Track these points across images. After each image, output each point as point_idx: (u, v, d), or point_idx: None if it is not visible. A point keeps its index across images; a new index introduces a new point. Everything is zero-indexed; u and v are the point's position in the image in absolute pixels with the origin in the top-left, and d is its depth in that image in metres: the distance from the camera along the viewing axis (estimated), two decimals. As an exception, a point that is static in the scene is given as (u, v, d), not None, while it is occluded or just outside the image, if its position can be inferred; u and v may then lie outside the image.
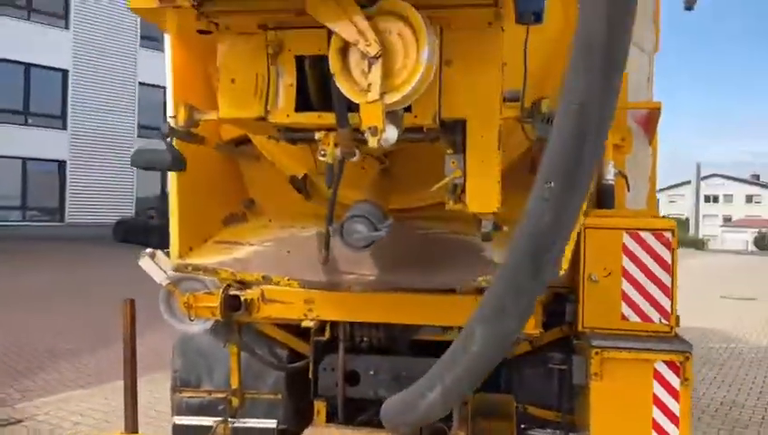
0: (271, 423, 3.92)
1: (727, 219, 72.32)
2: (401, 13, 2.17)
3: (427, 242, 3.08)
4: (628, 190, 3.88)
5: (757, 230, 56.88)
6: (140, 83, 29.29)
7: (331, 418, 3.73)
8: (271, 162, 3.58)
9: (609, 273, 3.29)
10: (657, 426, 3.10)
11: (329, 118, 2.53)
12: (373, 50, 2.15)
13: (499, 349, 1.97)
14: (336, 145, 2.53)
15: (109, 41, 28.24)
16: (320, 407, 3.75)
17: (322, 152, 2.58)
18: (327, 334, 3.58)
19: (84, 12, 28.23)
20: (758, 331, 12.08)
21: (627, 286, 3.34)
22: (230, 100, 2.62)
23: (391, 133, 2.21)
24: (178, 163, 2.80)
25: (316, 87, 2.59)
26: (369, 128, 2.17)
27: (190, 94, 3.35)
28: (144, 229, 24.73)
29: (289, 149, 3.39)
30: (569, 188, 1.76)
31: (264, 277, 2.98)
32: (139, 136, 29.08)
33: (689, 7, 2.21)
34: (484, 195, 2.51)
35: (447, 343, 3.58)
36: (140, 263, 3.74)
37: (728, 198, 77.78)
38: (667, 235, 3.33)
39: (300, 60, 2.55)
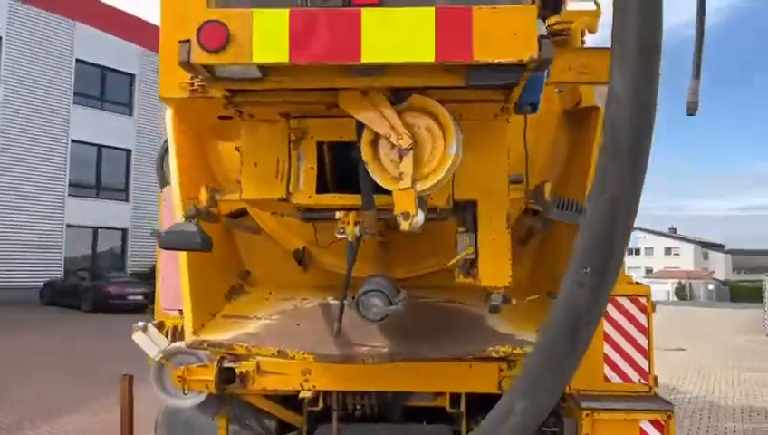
0: None
1: (649, 271, 75.71)
2: (430, 109, 2.40)
3: (430, 311, 3.23)
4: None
5: (677, 281, 59.74)
6: (73, 140, 28.55)
7: None
8: (268, 235, 3.69)
9: (592, 337, 3.53)
10: (645, 481, 3.31)
11: (348, 199, 2.70)
12: (405, 143, 2.34)
13: (537, 421, 2.12)
14: (356, 224, 2.69)
15: (39, 98, 27.57)
16: None
17: (341, 231, 2.73)
18: (321, 404, 3.63)
19: None
20: (694, 381, 12.68)
21: (608, 349, 3.58)
22: (253, 182, 2.75)
23: (420, 217, 2.39)
24: (207, 243, 2.88)
25: (334, 170, 2.76)
26: (402, 213, 2.35)
27: (194, 173, 3.47)
28: (74, 292, 23.71)
29: (288, 223, 3.53)
30: (603, 275, 1.98)
31: (279, 352, 3.04)
32: (69, 194, 28.19)
33: (691, 113, 2.53)
34: (495, 271, 2.71)
35: (438, 409, 3.70)
36: (134, 337, 3.72)
37: (649, 250, 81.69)
38: (643, 300, 3.62)
39: (320, 145, 2.73)
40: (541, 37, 2.14)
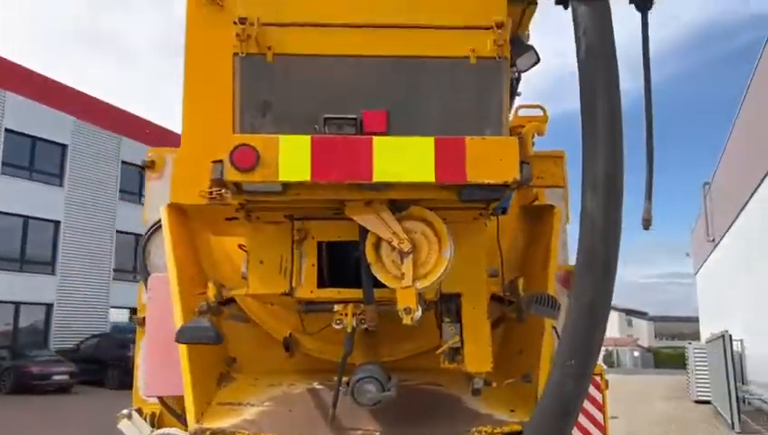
0: None
1: (577, 339, 77.78)
2: (427, 218, 2.77)
3: (414, 394, 3.49)
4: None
5: (605, 349, 61.70)
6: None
7: None
8: (254, 323, 3.90)
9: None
10: None
11: (346, 293, 3.01)
12: (406, 247, 2.70)
13: None
14: (354, 315, 2.99)
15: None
16: None
17: (338, 322, 3.02)
18: None
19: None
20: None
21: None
22: (259, 278, 3.02)
23: (419, 311, 2.72)
24: (220, 338, 3.10)
25: (331, 266, 3.08)
26: (405, 308, 2.67)
27: (188, 267, 3.69)
28: (-7, 371, 22.27)
29: (275, 311, 3.77)
30: (586, 366, 2.35)
31: None
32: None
33: (646, 228, 2.98)
34: (479, 357, 3.04)
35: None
36: (120, 426, 3.80)
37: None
38: (597, 378, 4.03)
39: (319, 243, 3.05)
40: (522, 163, 2.58)
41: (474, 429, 3.27)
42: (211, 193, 2.87)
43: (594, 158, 2.41)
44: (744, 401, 16.83)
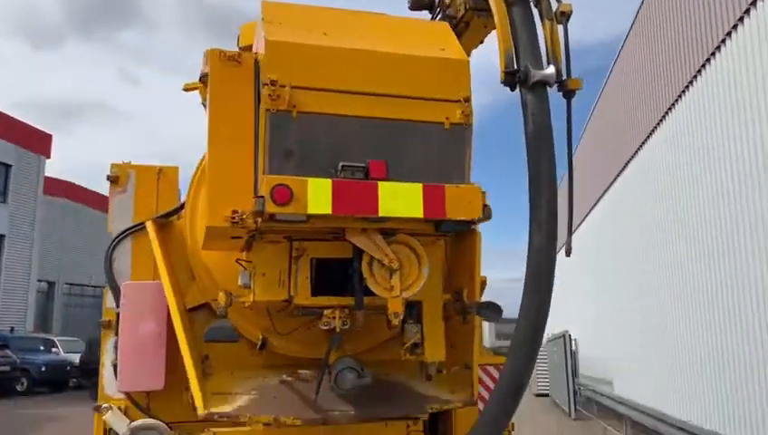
0: None
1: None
2: (409, 243, 3.60)
3: (376, 381, 4.22)
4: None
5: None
6: None
7: None
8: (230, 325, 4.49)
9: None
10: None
11: (335, 300, 3.74)
12: (395, 265, 3.51)
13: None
14: (340, 318, 3.72)
15: None
16: None
17: (326, 323, 3.74)
18: None
19: None
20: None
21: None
22: (262, 288, 3.68)
23: (401, 315, 3.53)
24: (238, 337, 3.69)
25: (321, 278, 3.79)
26: (394, 313, 3.48)
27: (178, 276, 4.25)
28: None
29: (246, 313, 4.39)
30: (533, 353, 3.31)
31: (274, 419, 3.82)
32: None
33: (568, 256, 3.98)
34: (436, 349, 3.90)
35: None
36: (107, 417, 4.23)
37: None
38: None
39: (312, 260, 3.76)
40: (484, 206, 3.50)
41: (428, 406, 4.14)
42: (233, 218, 3.47)
43: (539, 206, 3.38)
44: (577, 393, 19.29)
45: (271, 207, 3.18)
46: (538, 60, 3.69)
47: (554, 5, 3.87)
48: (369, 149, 3.46)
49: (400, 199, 3.36)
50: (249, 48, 4.26)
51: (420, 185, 3.41)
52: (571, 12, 3.80)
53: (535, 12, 3.90)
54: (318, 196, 3.24)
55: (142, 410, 4.55)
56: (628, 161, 17.29)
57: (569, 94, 3.76)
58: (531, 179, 3.47)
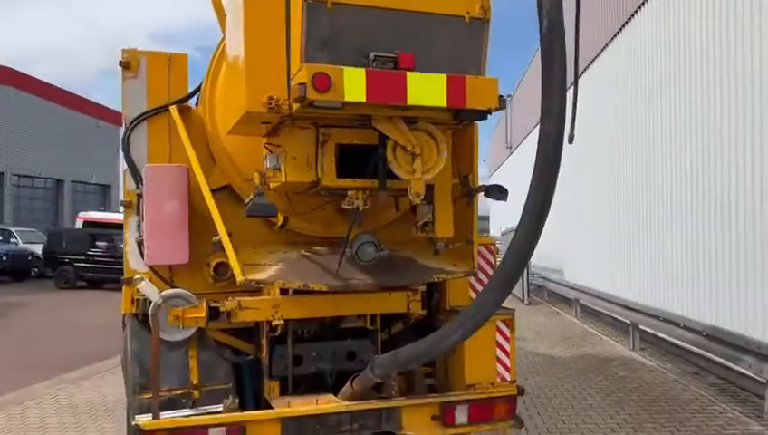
0: (218, 408, 4.96)
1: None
2: (430, 131, 3.95)
3: (389, 256, 4.61)
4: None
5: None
6: None
7: (283, 392, 4.97)
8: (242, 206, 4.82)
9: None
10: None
11: (359, 182, 4.10)
12: (417, 150, 3.87)
13: (500, 304, 3.77)
14: (362, 198, 4.10)
15: None
16: (273, 385, 4.90)
17: (350, 202, 4.12)
18: (278, 332, 4.87)
19: None
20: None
21: (473, 281, 5.48)
22: (292, 169, 4.01)
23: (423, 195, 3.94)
24: (276, 210, 4.06)
25: (347, 161, 4.13)
26: (416, 193, 3.88)
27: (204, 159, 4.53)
28: None
29: (268, 195, 4.73)
30: (539, 224, 3.70)
31: (304, 285, 4.27)
32: None
33: (570, 141, 4.29)
34: (445, 227, 4.36)
35: (361, 328, 5.20)
36: (140, 287, 4.61)
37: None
38: (492, 247, 5.62)
39: (337, 145, 4.09)
40: (500, 97, 3.85)
41: (435, 275, 4.66)
42: (270, 103, 3.72)
43: (550, 93, 3.57)
44: (530, 283, 20.59)
45: (312, 94, 3.45)
46: None
47: None
48: (397, 41, 3.72)
49: (426, 89, 3.68)
50: None
51: (444, 75, 3.71)
52: None
53: None
54: (353, 84, 3.52)
55: (166, 281, 4.94)
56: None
57: None
58: (543, 69, 3.73)
